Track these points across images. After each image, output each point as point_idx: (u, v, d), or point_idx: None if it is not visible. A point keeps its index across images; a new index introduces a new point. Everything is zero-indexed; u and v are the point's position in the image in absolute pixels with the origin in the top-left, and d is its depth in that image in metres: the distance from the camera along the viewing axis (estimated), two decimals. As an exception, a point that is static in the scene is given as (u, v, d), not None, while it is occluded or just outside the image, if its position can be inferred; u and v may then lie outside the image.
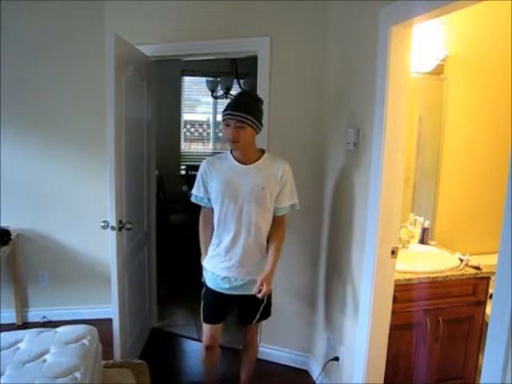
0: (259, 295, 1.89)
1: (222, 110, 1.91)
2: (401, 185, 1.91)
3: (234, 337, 2.60)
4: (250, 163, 1.95)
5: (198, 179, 2.03)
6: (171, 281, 3.85)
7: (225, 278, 1.99)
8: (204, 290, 2.09)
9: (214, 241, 2.03)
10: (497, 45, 2.41)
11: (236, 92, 4.42)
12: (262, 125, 1.94)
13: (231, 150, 1.98)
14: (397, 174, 1.88)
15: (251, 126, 1.86)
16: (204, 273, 2.09)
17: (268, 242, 2.01)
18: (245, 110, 1.85)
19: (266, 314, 2.09)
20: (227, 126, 1.87)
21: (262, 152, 2.00)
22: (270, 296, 2.04)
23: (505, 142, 1.53)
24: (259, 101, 1.97)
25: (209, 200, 2.02)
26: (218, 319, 2.10)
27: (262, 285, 1.88)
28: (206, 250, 2.08)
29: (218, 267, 2.00)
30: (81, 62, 2.92)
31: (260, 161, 1.96)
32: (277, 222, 2.01)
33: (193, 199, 2.08)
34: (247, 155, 1.95)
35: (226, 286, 1.99)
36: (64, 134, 2.98)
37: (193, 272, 2.47)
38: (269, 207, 1.96)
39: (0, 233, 2.77)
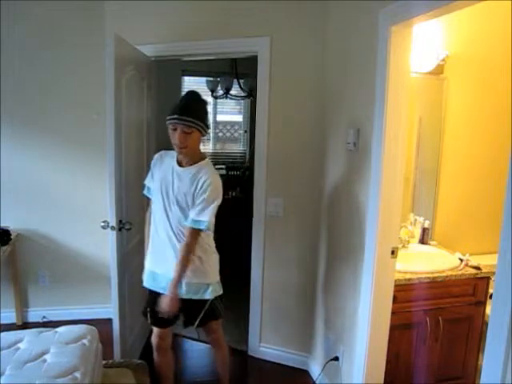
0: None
1: (169, 112, 1.83)
2: (401, 185, 1.91)
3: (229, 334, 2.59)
4: (187, 166, 1.90)
5: (150, 170, 2.04)
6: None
7: (160, 274, 1.95)
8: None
9: (151, 235, 2.00)
10: (497, 45, 2.41)
11: (236, 92, 4.44)
12: (208, 126, 1.90)
13: None
14: (397, 174, 1.87)
15: (199, 130, 1.83)
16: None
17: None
18: (193, 113, 1.80)
19: (211, 317, 2.00)
20: (174, 130, 1.82)
21: (203, 158, 1.94)
22: (215, 299, 1.97)
23: (505, 142, 1.53)
24: (205, 102, 1.93)
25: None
26: (163, 323, 1.99)
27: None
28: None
29: (153, 263, 1.99)
30: (81, 62, 2.92)
31: (194, 166, 1.89)
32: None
33: (145, 192, 2.05)
34: (187, 158, 1.90)
35: (163, 284, 1.91)
36: (64, 134, 2.98)
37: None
38: None
39: (0, 233, 2.78)
